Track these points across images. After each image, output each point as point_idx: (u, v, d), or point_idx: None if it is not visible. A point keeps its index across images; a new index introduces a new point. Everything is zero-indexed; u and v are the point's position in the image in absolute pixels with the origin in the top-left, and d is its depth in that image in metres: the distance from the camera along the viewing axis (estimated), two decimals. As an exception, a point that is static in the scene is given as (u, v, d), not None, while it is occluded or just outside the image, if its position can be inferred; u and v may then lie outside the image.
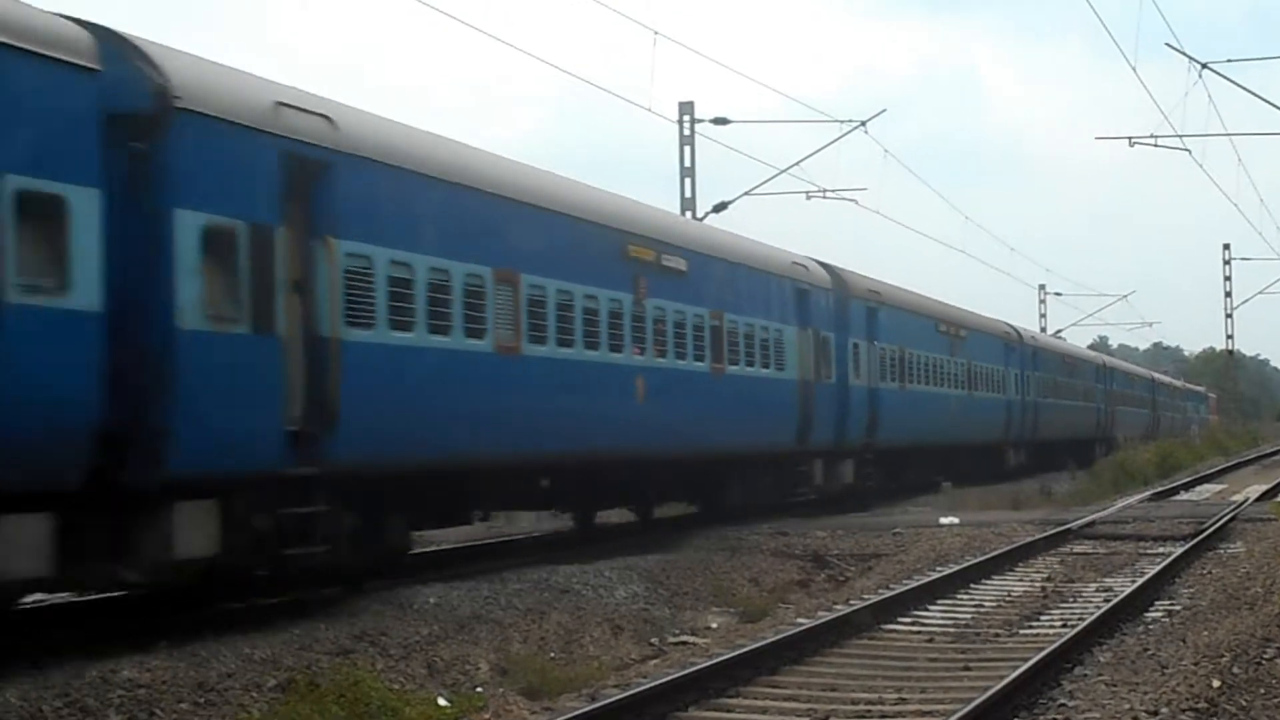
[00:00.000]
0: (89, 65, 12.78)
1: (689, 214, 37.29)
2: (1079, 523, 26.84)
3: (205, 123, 14.10)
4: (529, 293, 19.39)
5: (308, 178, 15.30)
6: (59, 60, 12.48)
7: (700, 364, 24.77)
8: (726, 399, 25.64)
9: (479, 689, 13.57)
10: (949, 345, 39.73)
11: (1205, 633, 14.48)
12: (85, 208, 12.47)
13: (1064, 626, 15.41)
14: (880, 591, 18.20)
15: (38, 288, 12.06)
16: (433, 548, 22.15)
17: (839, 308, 31.39)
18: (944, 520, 27.79)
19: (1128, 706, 11.09)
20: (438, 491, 18.44)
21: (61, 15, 13.07)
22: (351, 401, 15.55)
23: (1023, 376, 47.62)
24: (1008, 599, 18.13)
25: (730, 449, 26.38)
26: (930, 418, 37.34)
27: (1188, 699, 11.17)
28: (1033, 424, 48.80)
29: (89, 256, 12.45)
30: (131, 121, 13.41)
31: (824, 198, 41.17)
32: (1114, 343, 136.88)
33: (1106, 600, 16.99)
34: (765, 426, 27.75)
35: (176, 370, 13.58)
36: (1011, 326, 49.38)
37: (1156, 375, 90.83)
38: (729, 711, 11.79)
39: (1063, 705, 11.52)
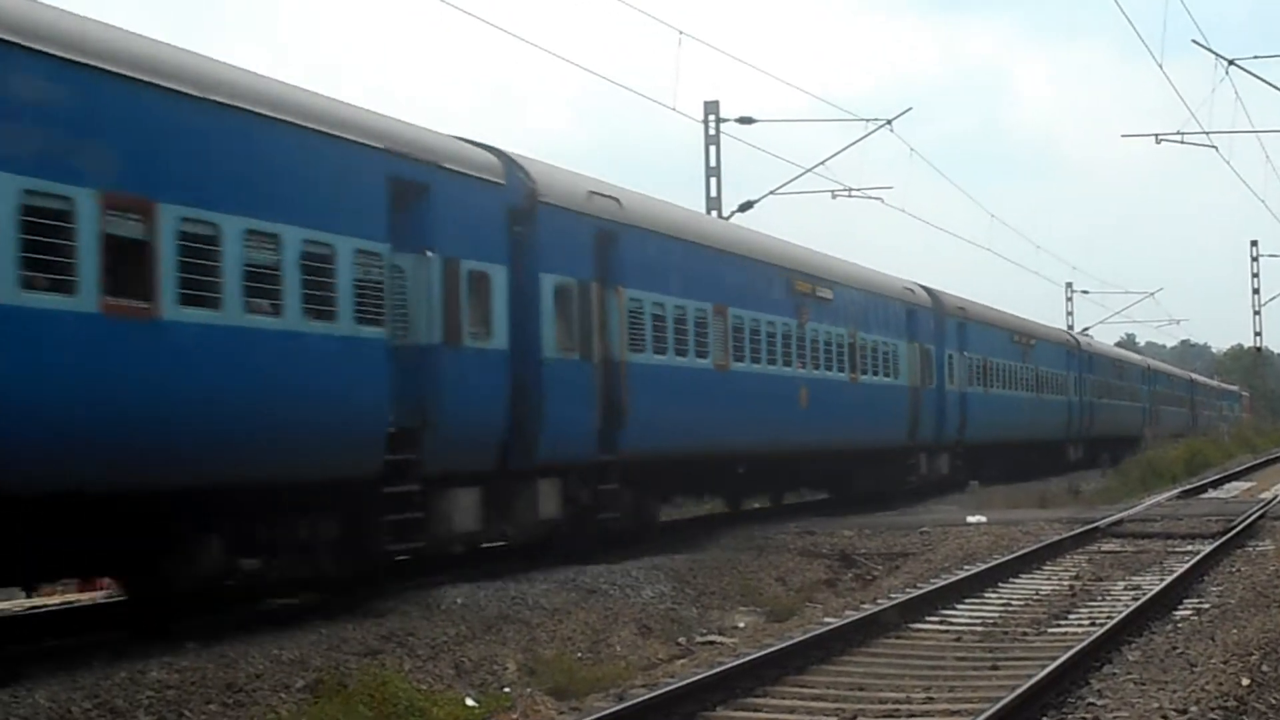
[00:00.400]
0: (500, 181, 18.91)
1: (714, 213, 37.28)
2: (1107, 521, 26.78)
3: (554, 210, 19.90)
4: (733, 322, 25.09)
5: (606, 244, 21.25)
6: (489, 181, 18.66)
7: (842, 374, 30.29)
8: (860, 403, 31.13)
9: (506, 689, 13.59)
10: (1021, 353, 45.00)
11: (1234, 631, 14.43)
12: (499, 279, 18.35)
13: (1092, 625, 15.35)
14: (908, 590, 18.18)
15: (478, 335, 17.90)
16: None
17: (937, 324, 36.87)
18: (971, 519, 27.75)
19: (1156, 705, 11.05)
20: (676, 475, 24.70)
21: (482, 145, 19.33)
22: (633, 407, 21.47)
23: (1080, 379, 52.65)
24: (1036, 598, 18.09)
25: (860, 444, 31.86)
26: (1008, 417, 42.61)
27: (1217, 697, 11.14)
28: (1089, 422, 53.63)
29: (501, 312, 18.35)
30: (517, 214, 19.07)
31: (849, 196, 41.13)
32: (1141, 340, 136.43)
33: (1135, 599, 16.93)
34: (886, 425, 33.33)
35: (542, 388, 19.36)
36: (1071, 334, 56.51)
37: (1195, 376, 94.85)
38: (757, 711, 11.78)
39: (1091, 704, 11.48)
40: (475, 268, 17.87)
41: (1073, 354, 52.46)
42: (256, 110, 14.59)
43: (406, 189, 16.78)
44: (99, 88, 12.87)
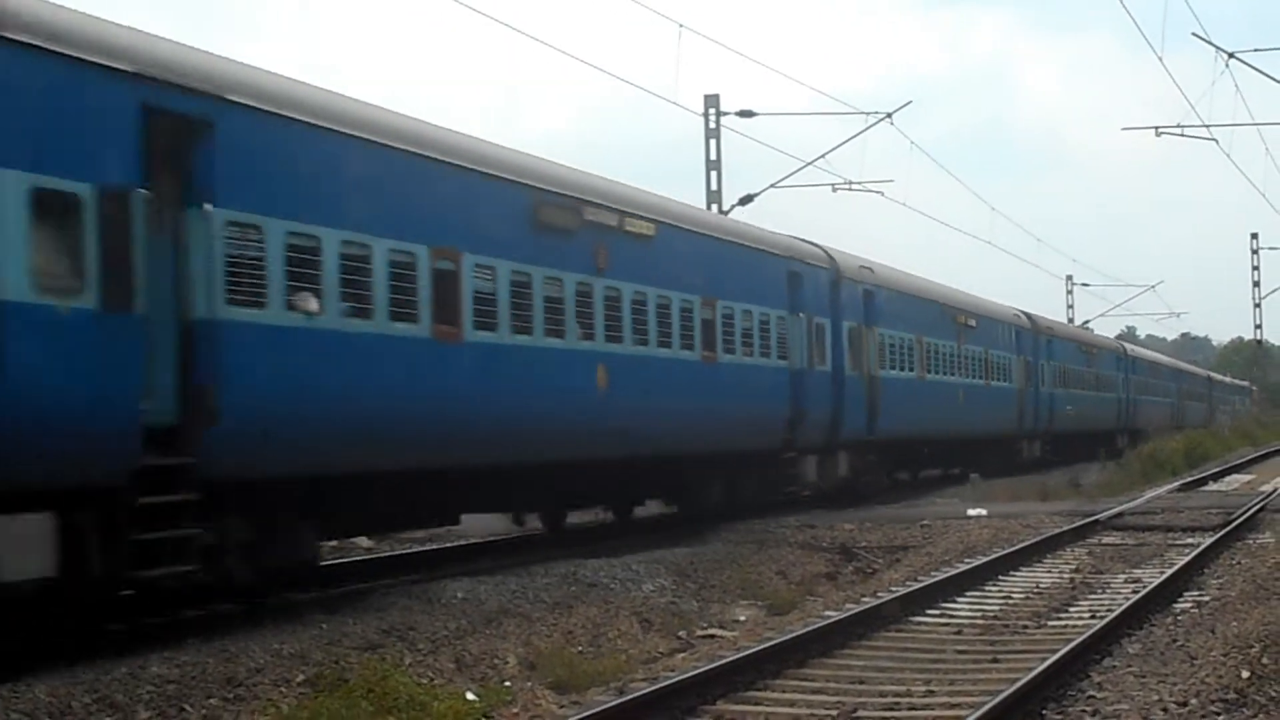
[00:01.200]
0: (826, 266, 30.11)
1: (714, 207, 37.27)
2: (1107, 514, 26.79)
3: (847, 280, 30.94)
4: (926, 346, 36.11)
5: (867, 299, 32.04)
6: (822, 266, 29.89)
7: (981, 381, 41.11)
8: (991, 401, 42.13)
9: (507, 683, 13.59)
10: (1088, 360, 56.19)
11: (1234, 623, 14.42)
12: (827, 327, 29.60)
13: (1092, 618, 15.36)
14: (908, 584, 18.18)
15: (819, 362, 28.98)
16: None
17: (1034, 341, 47.45)
18: (972, 512, 27.74)
19: (1156, 698, 11.06)
20: (899, 453, 35.47)
21: (814, 244, 30.36)
22: (883, 405, 32.08)
23: (1126, 380, 63.92)
24: (1036, 591, 18.09)
25: (989, 432, 42.54)
26: (1080, 411, 53.16)
27: (1217, 690, 11.14)
28: (1132, 414, 64.15)
29: (828, 347, 29.62)
30: (832, 285, 30.10)
31: (850, 190, 41.12)
32: (1142, 333, 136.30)
33: (1135, 591, 16.95)
34: (1005, 418, 43.82)
35: (844, 394, 30.01)
36: (1121, 344, 68.46)
37: (1212, 375, 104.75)
38: (757, 705, 11.77)
39: (1091, 697, 11.48)
40: (818, 320, 29.22)
41: (1121, 359, 63.86)
42: (752, 245, 26.93)
43: (793, 277, 28.22)
44: (718, 246, 25.43)
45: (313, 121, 15.48)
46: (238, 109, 14.33)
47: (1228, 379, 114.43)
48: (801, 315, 28.22)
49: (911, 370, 34.62)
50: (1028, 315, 48.01)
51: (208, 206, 13.80)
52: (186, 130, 13.81)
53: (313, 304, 15.02)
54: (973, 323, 40.22)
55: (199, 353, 13.71)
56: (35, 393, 12.09)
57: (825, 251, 30.25)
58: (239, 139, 14.27)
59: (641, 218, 22.17)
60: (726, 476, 26.22)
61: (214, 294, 13.82)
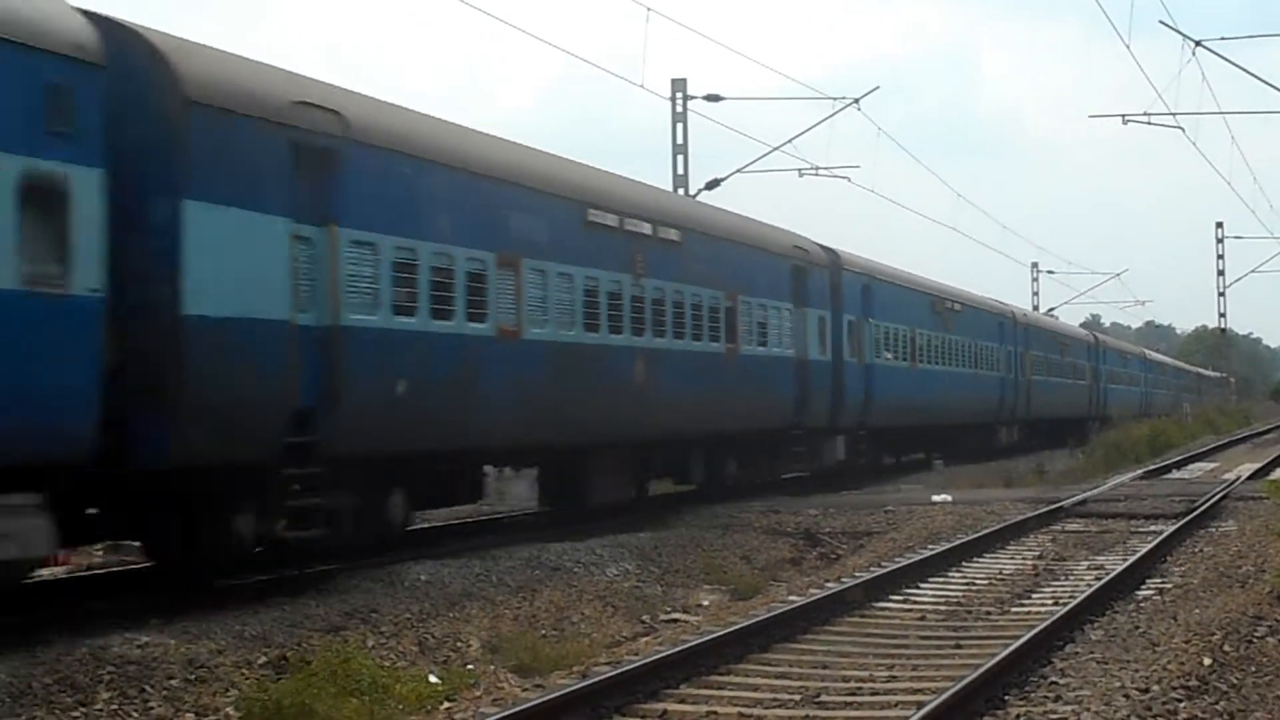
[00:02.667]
0: (1009, 315, 50.55)
1: (681, 190, 37.21)
2: (1071, 501, 26.86)
3: (1020, 325, 51.59)
4: (1050, 360, 56.55)
5: (1026, 333, 52.44)
6: (1008, 316, 51.08)
7: (1071, 380, 60.93)
8: (1076, 392, 61.38)
9: (470, 666, 13.56)
10: (1124, 364, 76.04)
11: (1196, 611, 14.47)
12: (1012, 351, 50.24)
13: (1055, 604, 15.39)
14: (872, 569, 18.19)
15: (1009, 373, 49.25)
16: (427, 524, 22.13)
17: (1097, 351, 66.97)
18: (936, 498, 27.77)
19: (1118, 684, 11.07)
20: (1051, 427, 55.42)
21: (1001, 301, 52.28)
22: (1034, 397, 53.02)
23: (1146, 377, 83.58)
24: (999, 577, 18.13)
25: (1073, 414, 60.28)
26: (1123, 400, 71.81)
27: (1179, 677, 11.16)
28: (1149, 404, 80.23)
29: (1011, 364, 49.89)
30: (1012, 326, 50.40)
31: (816, 175, 41.12)
32: (1106, 321, 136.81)
33: (1098, 578, 16.99)
34: (1079, 403, 62.95)
35: (1018, 390, 50.20)
36: (1143, 350, 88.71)
37: (1201, 370, 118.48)
38: (720, 689, 11.76)
39: (1054, 683, 11.50)
40: (1008, 348, 48.75)
41: (1143, 362, 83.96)
42: (985, 309, 47.13)
43: (1000, 325, 47.93)
44: (981, 312, 47.41)
45: (890, 281, 37.03)
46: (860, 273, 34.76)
47: (1213, 373, 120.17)
48: (1003, 345, 47.89)
49: (1043, 375, 54.06)
50: (1095, 334, 70.56)
51: (850, 316, 33.09)
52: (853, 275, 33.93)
53: (889, 355, 34.20)
54: (1067, 342, 60.66)
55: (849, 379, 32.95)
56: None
57: (1009, 307, 51.10)
58: (869, 285, 34.83)
59: (958, 302, 42.76)
60: (964, 437, 43.84)
61: (869, 350, 33.97)
